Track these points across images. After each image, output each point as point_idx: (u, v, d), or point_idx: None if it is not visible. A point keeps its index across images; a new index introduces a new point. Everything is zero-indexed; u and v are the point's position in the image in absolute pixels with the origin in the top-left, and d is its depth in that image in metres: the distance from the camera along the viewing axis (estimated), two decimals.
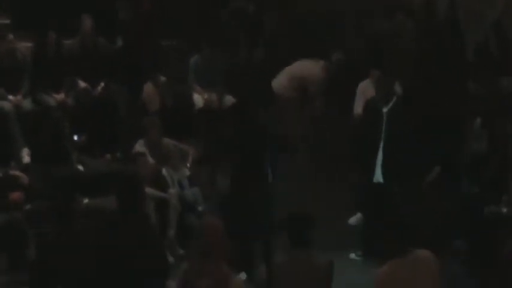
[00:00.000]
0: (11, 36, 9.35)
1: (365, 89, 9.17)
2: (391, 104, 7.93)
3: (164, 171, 8.29)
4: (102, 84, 9.68)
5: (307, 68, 9.90)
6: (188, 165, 8.69)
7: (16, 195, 7.76)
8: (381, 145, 7.91)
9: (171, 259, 7.33)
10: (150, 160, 8.30)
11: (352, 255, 8.22)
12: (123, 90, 9.77)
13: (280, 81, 9.95)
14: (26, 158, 8.77)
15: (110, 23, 10.20)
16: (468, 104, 8.76)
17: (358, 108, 9.19)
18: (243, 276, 7.59)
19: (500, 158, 7.90)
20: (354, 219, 8.77)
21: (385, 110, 7.94)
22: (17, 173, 8.09)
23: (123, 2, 10.49)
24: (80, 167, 8.48)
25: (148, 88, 9.69)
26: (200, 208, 8.33)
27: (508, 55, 9.04)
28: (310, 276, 5.34)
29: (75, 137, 8.94)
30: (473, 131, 8.36)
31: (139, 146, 8.48)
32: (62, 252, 5.65)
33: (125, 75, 9.86)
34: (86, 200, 7.79)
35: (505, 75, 8.81)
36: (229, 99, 9.85)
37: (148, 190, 7.53)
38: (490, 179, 7.76)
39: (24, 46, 9.69)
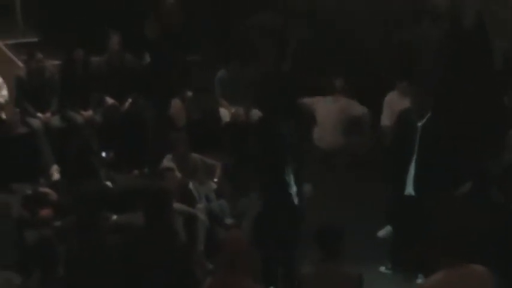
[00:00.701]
0: (39, 55, 9.43)
1: (392, 101, 9.11)
2: (426, 118, 7.86)
3: (191, 185, 8.29)
4: (130, 100, 9.71)
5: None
6: (215, 180, 8.68)
7: (46, 212, 7.79)
8: (414, 158, 7.84)
9: (200, 274, 7.31)
10: (178, 175, 8.31)
11: (382, 269, 8.15)
12: (150, 106, 9.80)
13: None
14: (55, 175, 8.82)
15: (137, 40, 10.25)
16: (502, 115, 8.65)
17: (385, 120, 9.12)
18: None
19: None
20: (384, 232, 8.70)
21: (419, 124, 7.87)
22: (46, 189, 8.13)
23: (150, 18, 10.55)
24: (109, 183, 8.50)
25: (175, 104, 9.71)
26: (228, 221, 8.30)
27: None
28: None
29: (104, 154, 8.97)
30: (507, 142, 8.26)
31: (167, 161, 8.49)
32: (89, 268, 5.66)
33: (152, 91, 9.89)
34: (114, 216, 7.80)
35: None
36: (256, 113, 9.85)
37: (177, 205, 7.52)
38: None
39: (52, 64, 9.77)
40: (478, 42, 9.21)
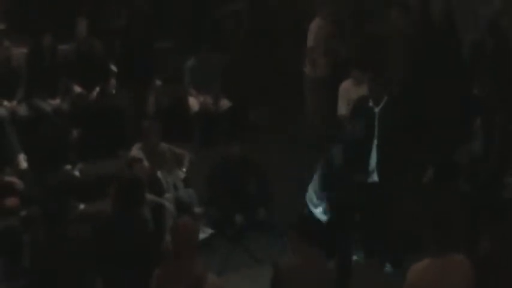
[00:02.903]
0: (7, 42, 9.31)
1: (348, 89, 9.08)
2: (382, 104, 7.86)
3: (159, 174, 8.24)
4: (98, 88, 9.63)
5: None
6: (184, 169, 8.63)
7: (11, 201, 7.72)
8: (375, 145, 7.83)
9: None
10: (146, 164, 8.24)
11: (354, 257, 8.11)
12: (119, 95, 9.73)
13: None
14: (22, 164, 8.71)
15: (106, 27, 10.16)
16: (468, 104, 8.67)
17: (342, 109, 9.08)
18: None
19: (498, 155, 7.83)
20: None
21: (376, 110, 7.87)
22: (12, 179, 8.04)
23: (118, 6, 10.46)
24: (76, 173, 8.42)
25: (144, 92, 9.64)
26: (196, 210, 8.27)
27: (505, 55, 8.98)
28: (317, 277, 5.26)
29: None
30: (473, 130, 8.29)
31: (136, 151, 8.41)
32: (55, 258, 5.60)
33: (121, 79, 9.81)
34: (81, 206, 7.74)
35: (503, 75, 8.74)
36: (225, 103, 9.81)
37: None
38: (487, 177, 7.70)
39: (20, 52, 9.64)
40: (447, 34, 9.25)
